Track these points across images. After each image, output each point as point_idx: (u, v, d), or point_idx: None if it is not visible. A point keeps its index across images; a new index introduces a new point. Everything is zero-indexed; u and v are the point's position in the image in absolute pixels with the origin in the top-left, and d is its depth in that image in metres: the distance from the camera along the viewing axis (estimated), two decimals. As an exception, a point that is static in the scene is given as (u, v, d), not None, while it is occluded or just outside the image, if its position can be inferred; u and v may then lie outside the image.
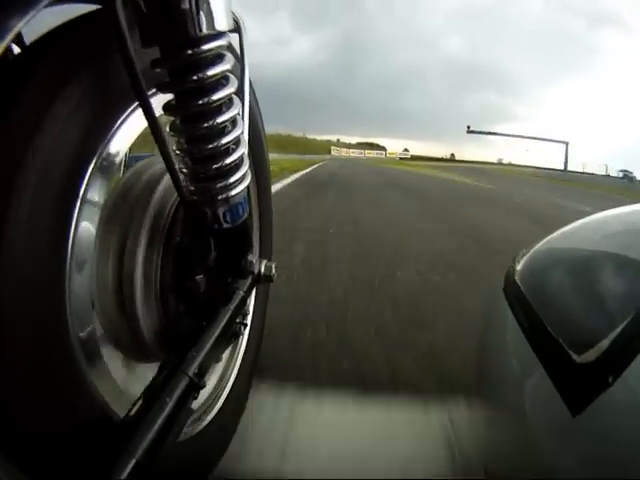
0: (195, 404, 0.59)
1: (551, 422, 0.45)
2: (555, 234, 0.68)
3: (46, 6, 0.35)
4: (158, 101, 0.50)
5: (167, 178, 0.58)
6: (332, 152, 54.50)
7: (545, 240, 0.67)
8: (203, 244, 0.60)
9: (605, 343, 0.42)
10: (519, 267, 0.63)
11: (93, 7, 0.46)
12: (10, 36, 0.33)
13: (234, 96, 0.56)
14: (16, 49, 0.43)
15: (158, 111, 0.50)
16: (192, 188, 0.55)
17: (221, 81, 0.53)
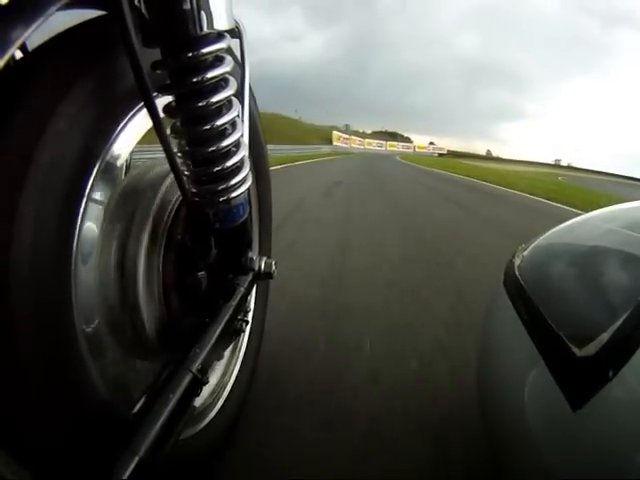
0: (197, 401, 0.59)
1: (551, 417, 0.45)
2: (555, 229, 0.68)
3: (52, 13, 0.37)
4: (159, 104, 0.51)
5: (170, 178, 0.59)
6: (335, 142, 35.31)
7: (545, 235, 0.67)
8: (205, 243, 0.61)
9: (605, 337, 0.41)
10: (519, 261, 0.62)
11: (96, 13, 0.48)
12: (19, 42, 0.34)
13: (234, 98, 0.57)
14: (18, 54, 0.44)
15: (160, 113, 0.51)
16: (194, 190, 0.56)
17: (221, 83, 0.54)
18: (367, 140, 53.49)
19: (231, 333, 0.63)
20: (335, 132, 40.54)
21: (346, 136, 44.20)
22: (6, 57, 0.34)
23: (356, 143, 46.45)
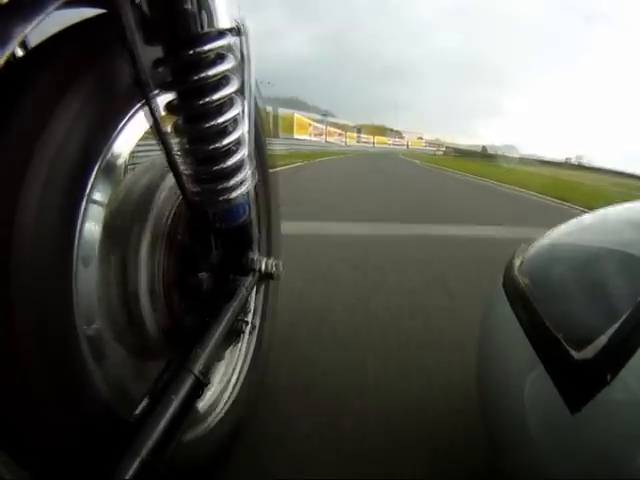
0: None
1: (550, 419, 0.45)
2: (554, 230, 0.68)
3: (52, 11, 0.36)
4: (160, 102, 0.51)
5: (170, 177, 0.58)
6: (297, 134, 23.34)
7: (544, 236, 0.67)
8: (205, 243, 0.60)
9: (603, 339, 0.41)
10: (518, 262, 0.62)
11: (97, 11, 0.47)
12: (18, 40, 0.33)
13: (235, 96, 0.56)
14: (19, 52, 0.43)
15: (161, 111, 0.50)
16: (194, 189, 0.56)
17: (222, 81, 0.53)
18: (349, 134, 39.75)
19: (233, 334, 0.63)
20: (298, 116, 23.56)
21: (319, 125, 27.94)
22: (6, 55, 0.33)
23: (335, 137, 33.04)
